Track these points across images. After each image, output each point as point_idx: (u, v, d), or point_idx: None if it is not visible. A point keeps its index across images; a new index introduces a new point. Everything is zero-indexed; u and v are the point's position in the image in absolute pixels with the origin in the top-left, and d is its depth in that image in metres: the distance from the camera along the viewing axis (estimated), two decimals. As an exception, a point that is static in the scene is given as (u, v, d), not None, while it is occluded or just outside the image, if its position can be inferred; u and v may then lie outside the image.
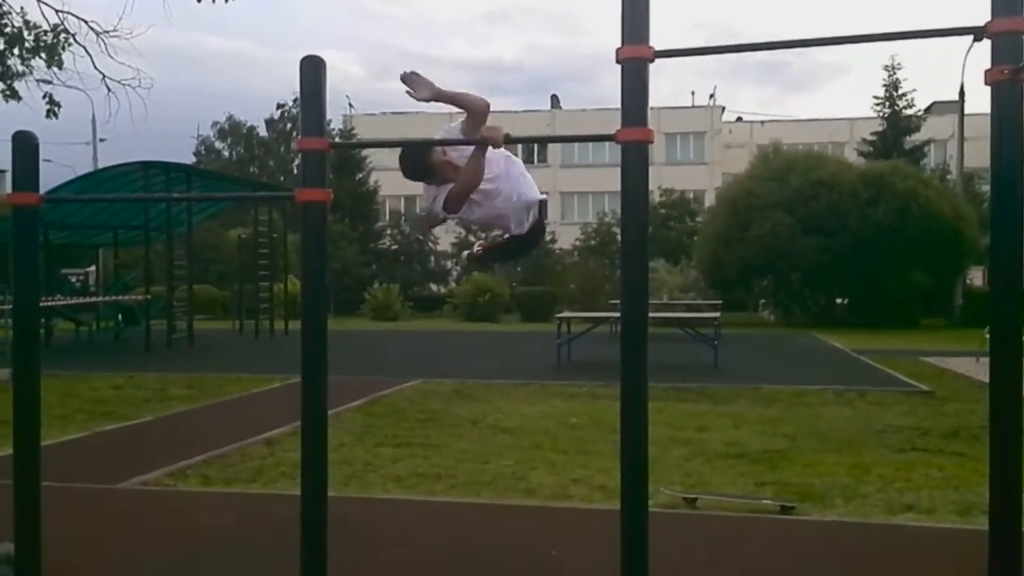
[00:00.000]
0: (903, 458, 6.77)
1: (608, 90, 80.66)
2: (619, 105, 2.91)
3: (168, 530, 4.78)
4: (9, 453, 4.10)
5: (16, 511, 3.83)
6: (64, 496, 5.18)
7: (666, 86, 69.00)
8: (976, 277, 30.87)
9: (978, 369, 12.20)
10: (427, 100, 3.48)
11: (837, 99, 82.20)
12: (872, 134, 34.78)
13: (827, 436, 7.65)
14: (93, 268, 28.22)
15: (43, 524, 3.89)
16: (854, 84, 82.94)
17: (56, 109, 9.78)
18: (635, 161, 2.95)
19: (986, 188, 32.72)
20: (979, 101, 31.39)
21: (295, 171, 47.92)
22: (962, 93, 27.54)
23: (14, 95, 10.01)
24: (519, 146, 45.29)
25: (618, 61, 2.89)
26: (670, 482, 5.81)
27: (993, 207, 2.79)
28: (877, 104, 34.67)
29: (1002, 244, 2.77)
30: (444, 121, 3.81)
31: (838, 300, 27.61)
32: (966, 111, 27.27)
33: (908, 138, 34.21)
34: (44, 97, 9.82)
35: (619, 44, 2.89)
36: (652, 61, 2.89)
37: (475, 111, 3.47)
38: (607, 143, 3.26)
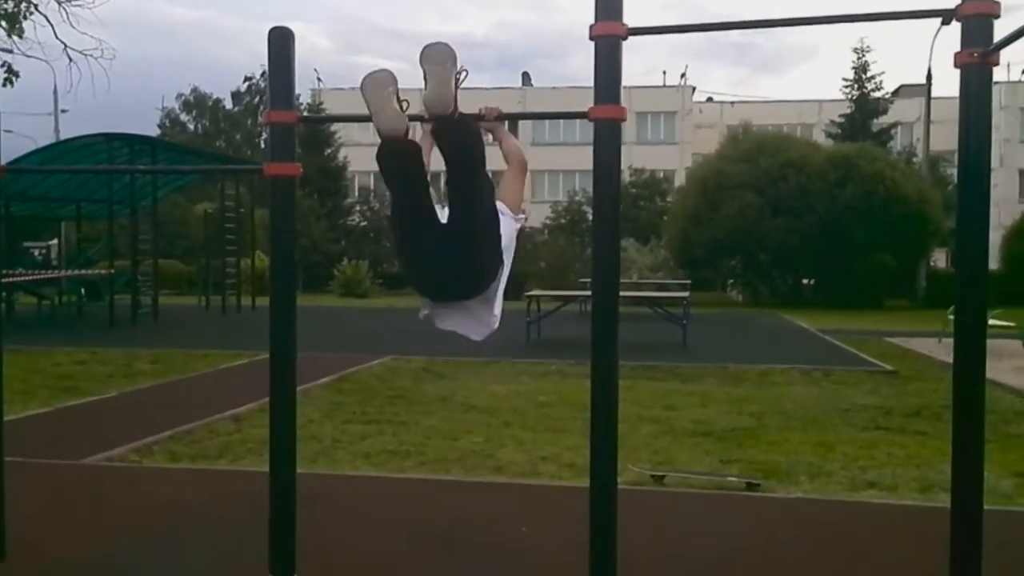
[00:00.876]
0: (867, 436, 6.87)
1: (578, 68, 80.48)
2: (590, 83, 2.89)
3: (134, 506, 4.74)
4: (-30, 428, 4.03)
5: (-22, 487, 3.77)
6: (27, 471, 5.12)
7: (637, 65, 68.81)
8: (940, 259, 31.34)
9: (940, 350, 12.40)
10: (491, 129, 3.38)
11: (806, 81, 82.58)
12: (840, 116, 35.06)
13: (793, 415, 7.75)
14: (55, 241, 27.80)
15: (6, 500, 3.85)
16: (823, 66, 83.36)
17: (13, 78, 9.59)
18: (607, 139, 2.94)
19: (951, 171, 33.36)
20: (946, 84, 31.73)
21: (262, 145, 47.42)
22: (929, 76, 27.80)
23: None
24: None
25: (591, 38, 2.87)
26: (638, 459, 5.85)
27: (961, 189, 2.82)
28: (846, 86, 34.92)
29: (968, 226, 2.80)
30: (415, 97, 3.63)
31: (805, 281, 27.93)
32: (933, 94, 27.54)
33: (876, 120, 34.54)
34: (2, 66, 9.62)
35: (592, 21, 2.87)
36: (625, 39, 2.88)
37: (520, 162, 3.47)
38: (578, 121, 3.25)
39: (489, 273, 3.14)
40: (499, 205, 3.24)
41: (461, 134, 2.99)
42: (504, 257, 3.19)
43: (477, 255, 3.05)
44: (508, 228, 3.27)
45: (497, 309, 3.27)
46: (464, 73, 2.98)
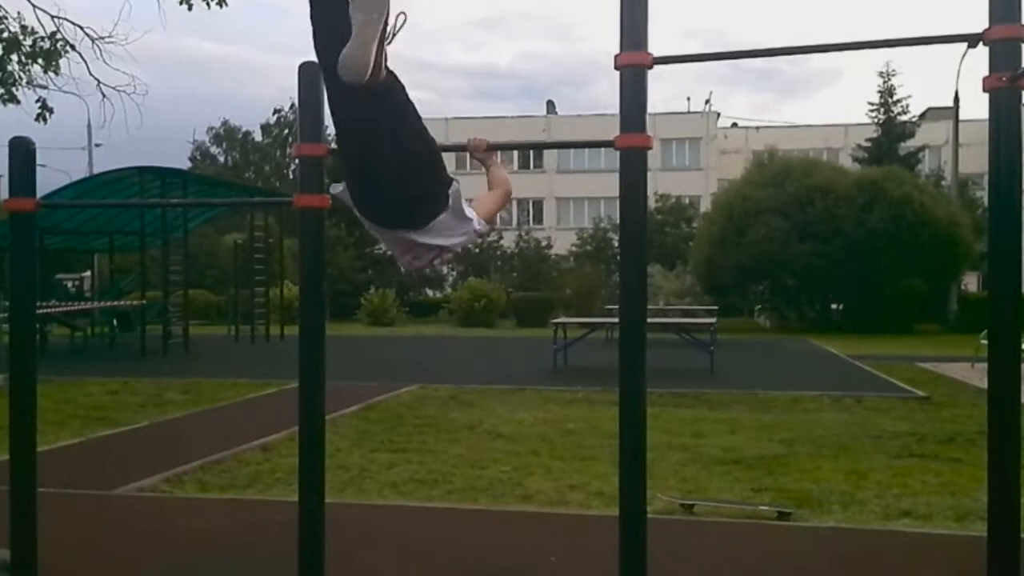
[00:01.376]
0: (900, 464, 6.77)
1: (601, 95, 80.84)
2: (614, 110, 2.91)
3: (165, 536, 4.77)
4: (5, 459, 4.08)
5: (12, 517, 3.81)
6: (60, 502, 5.16)
7: (660, 91, 69.20)
8: (971, 282, 30.96)
9: (974, 375, 12.21)
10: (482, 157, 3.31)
11: (830, 105, 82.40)
12: (867, 140, 34.85)
13: (824, 442, 7.66)
14: (88, 273, 28.16)
15: (39, 530, 3.88)
16: (847, 90, 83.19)
17: (47, 113, 9.79)
18: (634, 167, 2.95)
19: (980, 194, 32.99)
20: (973, 107, 31.43)
21: (291, 176, 47.91)
22: (956, 99, 27.63)
23: (12, 99, 10.02)
24: (515, 152, 45.31)
25: (617, 67, 2.89)
26: (667, 488, 5.80)
27: (992, 213, 2.80)
28: (872, 110, 34.77)
29: (1001, 249, 2.77)
30: (440, 127, 3.68)
31: (833, 305, 27.66)
32: (960, 117, 27.36)
33: (903, 144, 34.29)
34: (37, 101, 9.83)
35: (616, 50, 2.90)
36: (651, 68, 2.90)
37: (504, 189, 3.30)
38: (603, 148, 3.26)
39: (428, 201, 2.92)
40: (467, 210, 3.06)
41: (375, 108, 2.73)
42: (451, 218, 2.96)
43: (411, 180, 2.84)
44: (465, 223, 3.04)
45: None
46: (402, 18, 2.72)
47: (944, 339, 21.39)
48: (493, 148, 3.37)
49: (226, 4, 9.94)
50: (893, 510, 5.40)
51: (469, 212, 3.05)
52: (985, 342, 2.86)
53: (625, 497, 2.99)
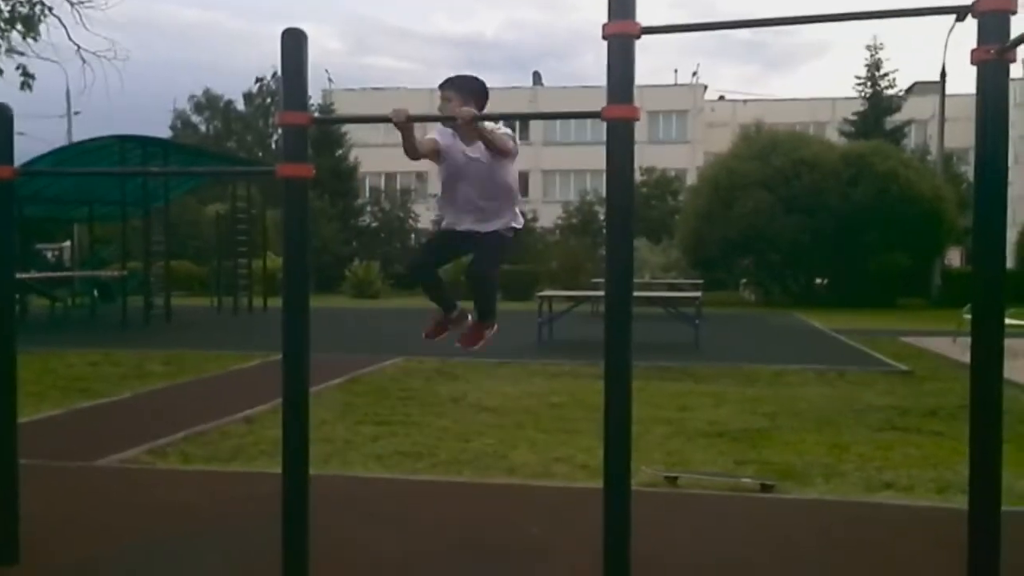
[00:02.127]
0: (882, 437, 6.83)
1: (588, 67, 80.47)
2: (601, 83, 2.88)
3: (147, 508, 4.75)
4: (-16, 431, 4.04)
5: (-8, 489, 3.78)
6: (42, 474, 5.13)
7: (647, 63, 68.86)
8: (954, 257, 31.17)
9: (956, 349, 12.31)
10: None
11: (818, 78, 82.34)
12: (854, 114, 34.89)
13: (807, 415, 7.71)
14: (68, 243, 27.92)
15: (21, 502, 3.85)
16: (835, 63, 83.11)
17: (30, 81, 9.64)
18: (621, 138, 2.92)
19: (965, 169, 33.12)
20: (960, 82, 31.49)
21: (274, 146, 47.55)
22: (943, 74, 27.64)
23: None
24: (501, 122, 44.85)
25: (604, 37, 2.85)
26: (651, 461, 5.83)
27: (977, 188, 2.79)
28: (859, 84, 34.77)
29: (985, 224, 2.77)
30: (425, 97, 3.97)
31: (818, 280, 27.80)
32: (947, 91, 27.39)
33: (889, 118, 34.36)
34: (18, 69, 9.67)
35: (604, 20, 2.86)
36: (639, 37, 2.86)
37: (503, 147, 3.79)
38: (590, 121, 3.24)
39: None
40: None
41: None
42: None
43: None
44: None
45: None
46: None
47: (927, 314, 21.56)
48: (479, 118, 3.46)
49: None
50: (875, 482, 5.45)
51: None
52: (968, 317, 2.87)
53: (609, 470, 3.00)
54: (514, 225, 4.08)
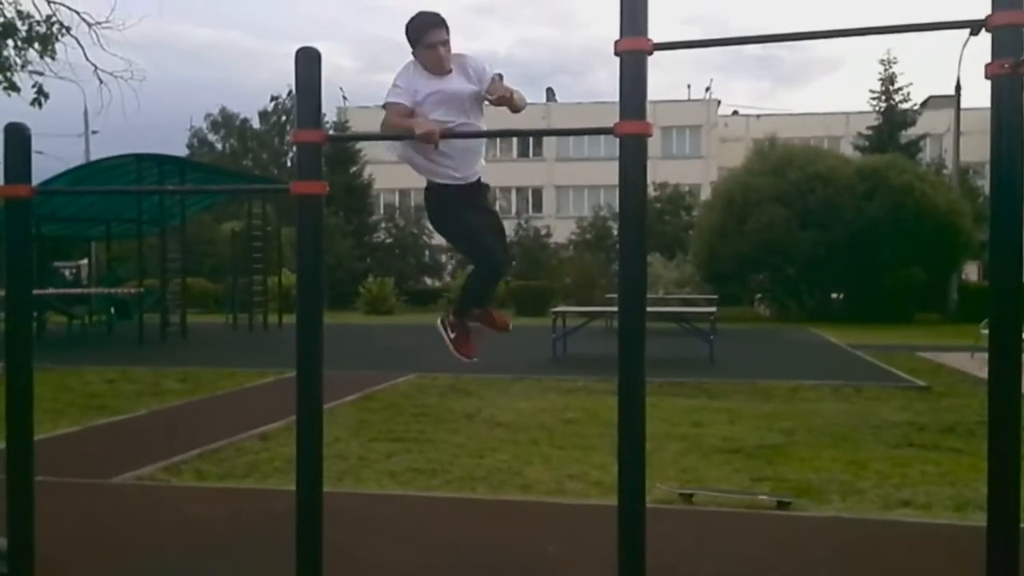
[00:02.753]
0: (899, 454, 6.76)
1: (600, 83, 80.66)
2: (614, 98, 2.88)
3: (162, 525, 4.76)
4: (1, 447, 4.07)
5: (9, 506, 3.80)
6: (57, 491, 5.15)
7: (659, 79, 69.07)
8: (971, 272, 30.96)
9: (974, 364, 12.20)
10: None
11: (830, 93, 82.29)
12: (868, 128, 34.80)
13: (823, 431, 7.65)
14: (86, 261, 28.13)
15: (36, 519, 3.87)
16: (847, 78, 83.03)
17: (42, 99, 9.74)
18: (634, 154, 2.92)
19: (981, 183, 32.95)
20: (975, 95, 31.40)
21: (289, 164, 47.82)
22: (958, 87, 27.55)
23: (12, 87, 9.98)
24: (514, 140, 45.09)
25: (616, 53, 2.86)
26: (666, 478, 5.80)
27: (993, 201, 2.77)
28: (873, 98, 34.70)
29: (1002, 238, 2.75)
30: None
31: (834, 294, 27.65)
32: (962, 105, 27.29)
33: (904, 132, 34.27)
34: (34, 87, 9.79)
35: (616, 37, 2.86)
36: (651, 54, 2.86)
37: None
38: (603, 136, 3.24)
39: None
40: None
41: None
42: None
43: None
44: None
45: None
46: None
47: (944, 329, 21.40)
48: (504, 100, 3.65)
49: None
50: (893, 500, 5.39)
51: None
52: (985, 332, 2.84)
53: (624, 487, 2.98)
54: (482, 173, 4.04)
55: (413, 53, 3.73)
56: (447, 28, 3.69)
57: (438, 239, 37.06)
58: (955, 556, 4.20)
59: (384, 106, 3.72)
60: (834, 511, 5.15)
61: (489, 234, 4.06)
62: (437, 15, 3.72)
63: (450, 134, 3.55)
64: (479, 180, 3.98)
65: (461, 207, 3.93)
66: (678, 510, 5.15)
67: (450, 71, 3.72)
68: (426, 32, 3.67)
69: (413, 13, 3.71)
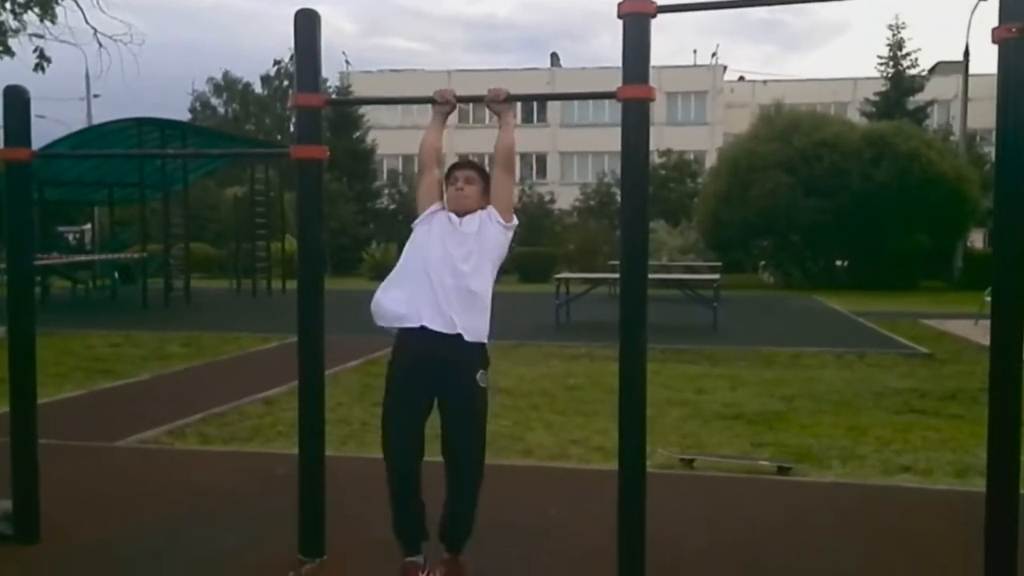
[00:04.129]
0: (901, 420, 6.79)
1: (603, 49, 79.92)
2: (619, 63, 2.85)
3: (166, 488, 4.79)
4: (5, 411, 4.09)
5: (13, 468, 3.83)
6: (62, 454, 5.19)
7: (664, 44, 68.34)
8: (977, 239, 30.83)
9: (977, 332, 12.21)
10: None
11: (836, 58, 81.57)
12: (875, 94, 34.52)
13: (825, 398, 7.67)
14: (89, 226, 28.12)
15: (41, 482, 3.90)
16: (854, 43, 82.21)
17: (45, 64, 9.67)
18: (636, 118, 2.90)
19: (988, 149, 32.75)
20: (984, 62, 31.06)
21: (291, 129, 47.64)
22: (967, 53, 27.29)
23: (7, 51, 9.90)
24: (518, 105, 44.74)
25: (620, 16, 2.83)
26: (667, 443, 5.82)
27: (999, 168, 2.75)
28: (881, 64, 34.38)
29: (1007, 205, 2.74)
30: (442, 79, 3.83)
31: (838, 262, 27.59)
32: (970, 71, 27.03)
33: (911, 98, 33.99)
34: (35, 51, 9.72)
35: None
36: (654, 16, 2.83)
37: (509, 165, 3.51)
38: (607, 102, 3.22)
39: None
40: (490, 212, 3.35)
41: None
42: (493, 272, 3.37)
43: None
44: (500, 240, 3.36)
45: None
46: None
47: (949, 296, 21.37)
48: (511, 99, 3.37)
49: None
50: (893, 465, 5.42)
51: (494, 216, 3.36)
52: (989, 299, 2.83)
53: (625, 452, 3.00)
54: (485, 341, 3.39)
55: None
56: (473, 170, 3.47)
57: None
58: (955, 521, 4.22)
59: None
60: (834, 476, 5.18)
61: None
62: (463, 161, 3.55)
63: (464, 98, 3.43)
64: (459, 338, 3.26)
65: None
66: (679, 475, 5.17)
67: (470, 212, 3.38)
68: (449, 173, 3.49)
69: None
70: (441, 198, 3.46)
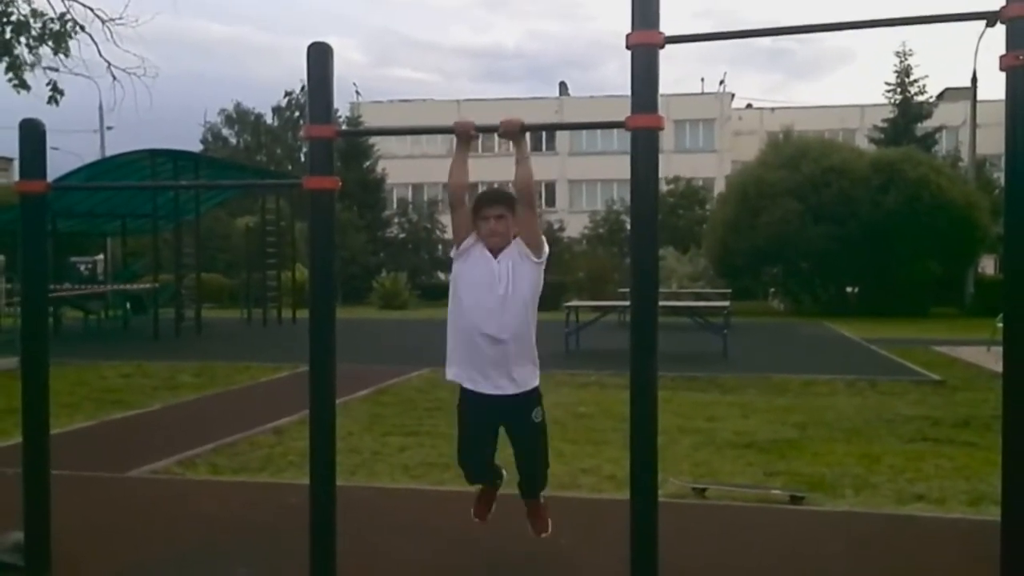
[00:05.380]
0: (913, 448, 6.73)
1: (610, 77, 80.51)
2: (627, 92, 2.88)
3: (177, 519, 4.79)
4: (18, 442, 4.10)
5: (25, 499, 3.83)
6: (73, 485, 5.19)
7: (672, 72, 68.77)
8: (988, 265, 30.73)
9: (989, 358, 12.13)
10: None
11: (843, 85, 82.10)
12: (883, 121, 34.57)
13: (837, 426, 7.62)
14: (102, 256, 28.28)
15: (52, 513, 3.90)
16: (860, 70, 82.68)
17: (58, 96, 9.79)
18: (645, 148, 2.92)
19: (998, 175, 32.77)
20: (992, 87, 31.12)
21: (302, 159, 47.93)
22: (974, 79, 27.34)
23: (23, 85, 10.02)
24: (527, 134, 44.90)
25: (628, 47, 2.86)
26: (679, 472, 5.79)
27: (1008, 194, 2.76)
28: (888, 90, 34.47)
29: (1016, 230, 2.74)
30: (452, 109, 3.95)
31: (848, 289, 27.50)
32: (978, 97, 27.07)
33: (920, 125, 34.02)
34: (48, 84, 9.84)
35: (626, 30, 2.86)
36: (662, 47, 2.86)
37: (530, 199, 3.68)
38: (616, 130, 3.24)
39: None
40: (521, 249, 3.61)
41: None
42: (533, 310, 3.73)
43: None
44: (534, 277, 3.66)
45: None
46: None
47: (960, 323, 21.26)
48: (525, 129, 3.46)
49: None
50: (906, 494, 5.37)
51: (525, 253, 3.65)
52: (1001, 325, 2.82)
53: (637, 481, 2.98)
54: (531, 387, 3.79)
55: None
56: (502, 204, 3.66)
57: (451, 234, 37.03)
58: (969, 551, 4.18)
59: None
60: (847, 505, 5.14)
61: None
62: (498, 192, 3.76)
63: (484, 128, 3.48)
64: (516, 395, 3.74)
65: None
66: (691, 504, 5.14)
67: (503, 249, 3.65)
68: (478, 208, 3.69)
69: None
70: (474, 227, 3.69)
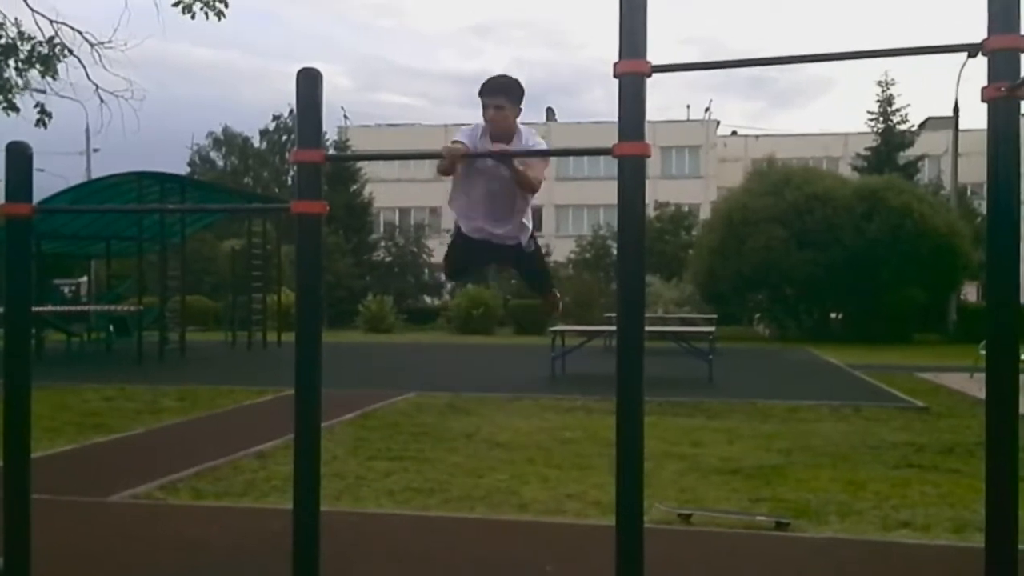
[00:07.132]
0: (898, 474, 6.75)
1: (596, 102, 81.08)
2: (610, 117, 2.91)
3: (159, 544, 4.74)
4: (-2, 466, 4.06)
5: (5, 524, 3.79)
6: (54, 509, 5.14)
7: (657, 99, 69.36)
8: (970, 292, 30.97)
9: (972, 385, 12.20)
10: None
11: (825, 113, 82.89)
12: (866, 149, 34.94)
13: (822, 452, 7.63)
14: (85, 278, 28.14)
15: (33, 537, 3.85)
16: (842, 98, 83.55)
17: (46, 119, 9.77)
18: (632, 175, 2.94)
19: (980, 203, 33.17)
20: (973, 117, 31.50)
21: (289, 182, 47.96)
22: (956, 109, 27.69)
23: (12, 107, 10.00)
24: (536, 136, 45.16)
25: (615, 75, 2.88)
26: (665, 497, 5.78)
27: (990, 222, 2.79)
28: (871, 119, 34.87)
29: (999, 259, 2.76)
30: (439, 134, 4.08)
31: (832, 315, 27.66)
32: (960, 127, 27.41)
33: (902, 153, 34.40)
34: (36, 107, 9.82)
35: (611, 58, 2.89)
36: (649, 76, 2.89)
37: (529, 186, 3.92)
38: (602, 156, 3.28)
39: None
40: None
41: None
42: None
43: None
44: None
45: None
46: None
47: (943, 349, 21.39)
48: (512, 155, 3.69)
49: (224, 16, 9.84)
50: (891, 521, 5.38)
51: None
52: (984, 352, 2.85)
53: (622, 506, 2.98)
54: (523, 240, 4.13)
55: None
56: (506, 96, 3.82)
57: (437, 257, 37.33)
58: (954, 578, 4.19)
59: None
60: (832, 532, 5.14)
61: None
62: (498, 81, 3.86)
63: (471, 153, 3.68)
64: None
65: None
66: (676, 530, 5.13)
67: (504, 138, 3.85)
68: (481, 94, 3.88)
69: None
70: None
